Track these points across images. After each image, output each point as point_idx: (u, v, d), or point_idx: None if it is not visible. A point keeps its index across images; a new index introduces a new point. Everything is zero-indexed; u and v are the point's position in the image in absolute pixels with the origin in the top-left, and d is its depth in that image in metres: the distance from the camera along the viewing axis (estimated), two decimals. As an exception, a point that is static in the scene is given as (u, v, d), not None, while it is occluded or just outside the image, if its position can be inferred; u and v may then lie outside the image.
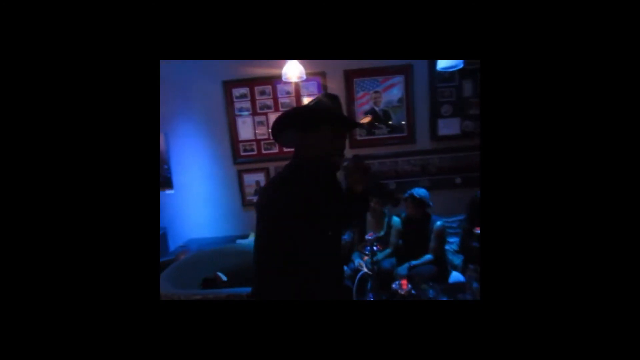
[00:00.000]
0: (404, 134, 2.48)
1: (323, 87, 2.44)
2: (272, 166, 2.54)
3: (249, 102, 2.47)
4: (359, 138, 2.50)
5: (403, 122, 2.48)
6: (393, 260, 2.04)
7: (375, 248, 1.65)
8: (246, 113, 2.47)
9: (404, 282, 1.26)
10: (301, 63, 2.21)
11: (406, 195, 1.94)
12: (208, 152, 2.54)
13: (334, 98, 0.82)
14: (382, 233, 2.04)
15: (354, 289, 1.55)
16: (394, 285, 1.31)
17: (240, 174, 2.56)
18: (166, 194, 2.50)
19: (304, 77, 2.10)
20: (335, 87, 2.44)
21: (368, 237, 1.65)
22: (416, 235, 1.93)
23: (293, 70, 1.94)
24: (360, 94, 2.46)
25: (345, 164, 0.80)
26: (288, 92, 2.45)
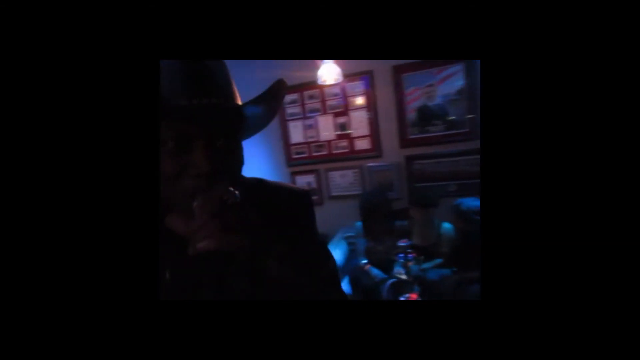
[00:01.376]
0: (466, 130, 2.19)
1: (371, 86, 2.36)
2: (322, 168, 2.60)
3: (299, 107, 2.58)
4: (410, 137, 2.33)
5: (466, 117, 2.19)
6: (444, 272, 1.83)
7: (409, 256, 1.52)
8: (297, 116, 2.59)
9: (413, 296, 1.13)
10: (348, 62, 2.19)
11: (455, 204, 1.72)
12: (265, 156, 2.77)
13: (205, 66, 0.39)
14: (415, 241, 1.85)
15: (384, 296, 1.47)
16: (401, 299, 1.19)
17: (292, 176, 2.70)
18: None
19: (341, 78, 2.08)
20: (384, 84, 2.33)
21: (401, 243, 1.53)
22: (466, 249, 1.69)
23: (329, 72, 1.95)
24: (410, 89, 2.29)
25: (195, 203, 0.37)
26: (335, 94, 2.46)
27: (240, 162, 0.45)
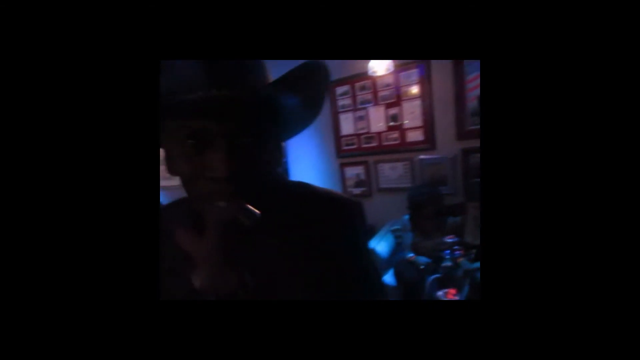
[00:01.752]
0: (536, 120, 1.95)
1: (427, 74, 2.25)
2: (371, 160, 2.58)
3: (350, 99, 2.58)
4: (469, 128, 2.16)
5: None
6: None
7: (456, 253, 1.45)
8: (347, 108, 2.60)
9: (452, 291, 1.07)
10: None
11: None
12: (317, 148, 2.85)
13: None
14: (467, 239, 1.72)
15: (427, 291, 1.43)
16: (439, 293, 1.13)
17: (341, 168, 2.73)
18: (283, 183, 3.01)
19: (392, 69, 2.02)
20: (442, 71, 2.19)
21: (448, 239, 1.46)
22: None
23: (380, 64, 1.91)
24: (473, 75, 2.11)
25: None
26: (387, 85, 2.40)
27: (273, 164, 0.39)
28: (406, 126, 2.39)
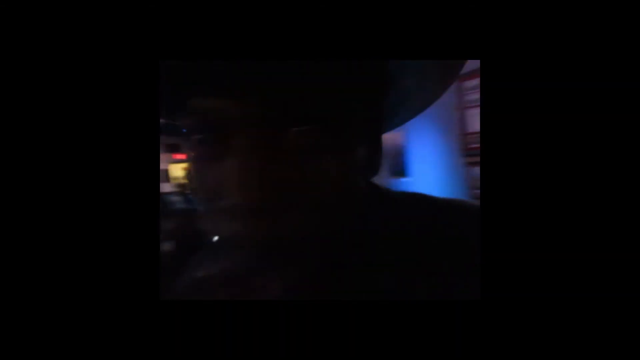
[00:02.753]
0: None
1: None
2: (503, 159, 2.29)
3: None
4: None
5: None
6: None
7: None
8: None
9: None
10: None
11: None
12: (439, 145, 2.76)
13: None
14: None
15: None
16: None
17: (467, 167, 2.54)
18: (401, 181, 3.05)
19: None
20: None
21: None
22: None
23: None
24: None
25: None
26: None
27: (368, 174, 0.28)
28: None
